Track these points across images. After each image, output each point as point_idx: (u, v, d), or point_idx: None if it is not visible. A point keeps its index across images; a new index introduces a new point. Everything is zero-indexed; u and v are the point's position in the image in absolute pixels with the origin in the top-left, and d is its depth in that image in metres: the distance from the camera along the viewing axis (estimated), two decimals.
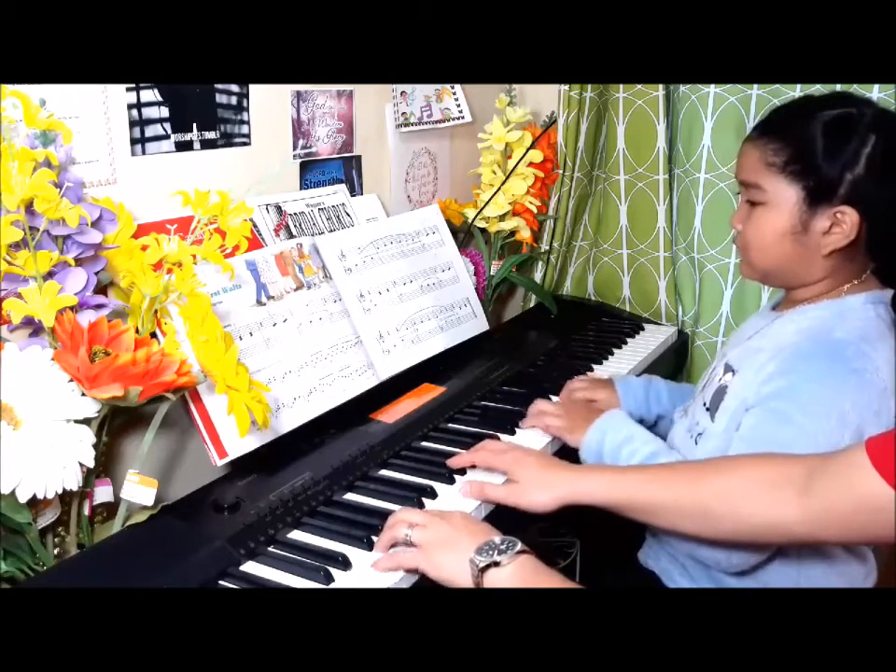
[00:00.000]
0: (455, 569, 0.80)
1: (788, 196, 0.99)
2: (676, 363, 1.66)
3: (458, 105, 1.59)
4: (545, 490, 0.93)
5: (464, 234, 1.61)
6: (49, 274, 0.85)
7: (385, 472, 1.06)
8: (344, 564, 0.85)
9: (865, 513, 0.73)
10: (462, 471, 1.04)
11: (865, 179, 0.95)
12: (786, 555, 0.98)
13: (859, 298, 1.00)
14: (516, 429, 1.16)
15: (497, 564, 0.77)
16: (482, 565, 0.77)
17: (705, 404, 1.06)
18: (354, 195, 1.41)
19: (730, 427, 1.00)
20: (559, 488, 0.93)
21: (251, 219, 1.17)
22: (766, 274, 1.07)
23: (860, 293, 1.00)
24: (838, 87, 1.41)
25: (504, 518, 0.98)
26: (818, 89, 1.40)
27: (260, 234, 1.21)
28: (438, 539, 0.83)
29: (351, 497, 1.00)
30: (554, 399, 1.26)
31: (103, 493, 0.93)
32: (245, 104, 1.19)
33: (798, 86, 1.44)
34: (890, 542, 0.73)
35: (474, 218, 1.60)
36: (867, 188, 0.96)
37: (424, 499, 0.98)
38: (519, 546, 0.78)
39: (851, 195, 0.96)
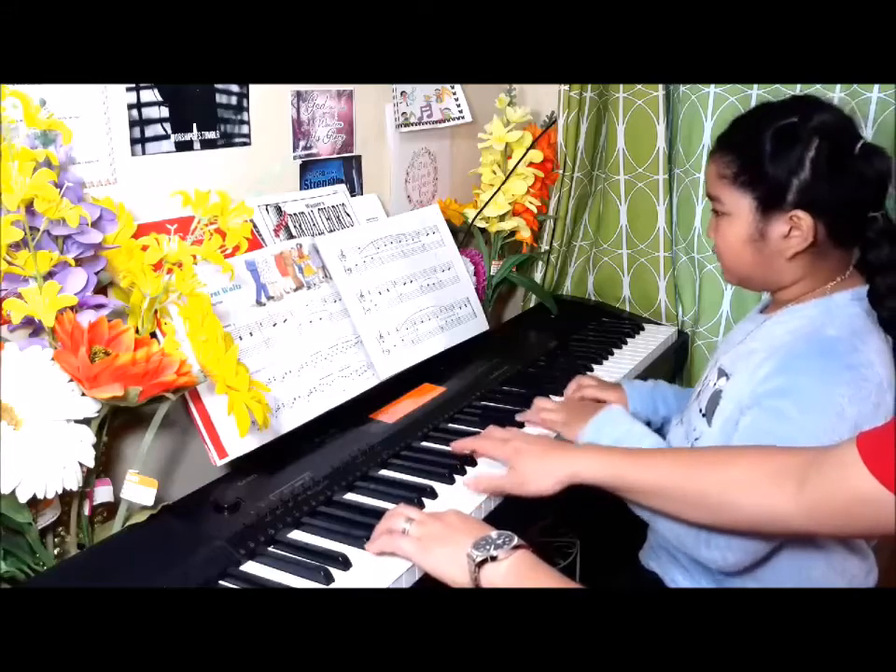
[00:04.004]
0: (451, 564, 0.80)
1: (742, 205, 1.02)
2: (676, 363, 1.66)
3: (458, 105, 1.59)
4: (546, 475, 0.94)
5: (464, 234, 1.61)
6: (50, 274, 0.85)
7: (385, 472, 1.06)
8: (344, 564, 0.85)
9: (858, 508, 0.74)
10: (462, 470, 1.05)
11: (813, 183, 0.97)
12: (786, 554, 0.98)
13: (845, 295, 1.01)
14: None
15: (493, 558, 0.77)
16: (478, 559, 0.77)
17: (701, 410, 1.07)
18: (354, 195, 1.41)
19: (726, 429, 1.01)
20: (559, 470, 0.94)
21: (251, 220, 1.17)
22: (742, 280, 1.10)
23: (846, 290, 1.02)
24: (838, 87, 1.42)
25: (504, 518, 0.98)
26: (817, 89, 1.40)
27: (260, 235, 1.21)
28: (435, 535, 0.83)
29: (351, 496, 1.00)
30: (555, 398, 1.26)
31: (103, 493, 0.93)
32: (245, 104, 1.19)
33: (798, 86, 1.44)
34: (887, 536, 0.73)
35: (474, 218, 1.60)
36: (816, 191, 0.97)
37: (424, 499, 0.98)
38: (516, 541, 0.78)
39: (802, 199, 0.97)
